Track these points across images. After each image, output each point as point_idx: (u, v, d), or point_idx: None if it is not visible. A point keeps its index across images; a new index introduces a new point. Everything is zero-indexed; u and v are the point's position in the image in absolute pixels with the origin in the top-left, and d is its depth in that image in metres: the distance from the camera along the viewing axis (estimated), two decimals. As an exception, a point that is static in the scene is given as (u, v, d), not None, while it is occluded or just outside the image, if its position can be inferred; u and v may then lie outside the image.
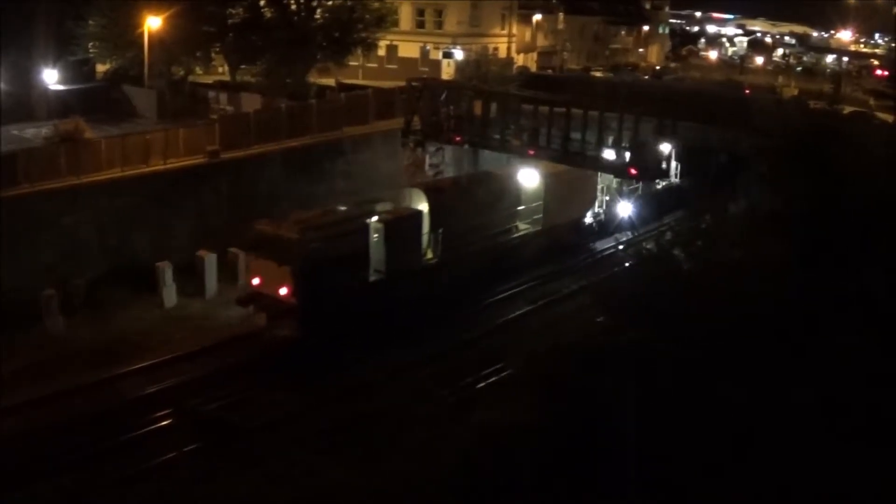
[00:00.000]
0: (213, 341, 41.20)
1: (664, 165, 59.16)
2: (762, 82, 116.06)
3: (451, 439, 31.65)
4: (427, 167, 58.20)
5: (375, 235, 43.79)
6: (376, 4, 71.10)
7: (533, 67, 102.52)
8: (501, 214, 54.14)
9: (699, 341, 26.76)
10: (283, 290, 40.47)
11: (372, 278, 43.97)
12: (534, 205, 55.95)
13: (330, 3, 69.49)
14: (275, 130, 55.93)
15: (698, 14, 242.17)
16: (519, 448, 26.72)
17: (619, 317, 30.49)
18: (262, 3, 68.04)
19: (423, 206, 47.79)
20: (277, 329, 40.97)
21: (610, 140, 54.80)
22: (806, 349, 28.10)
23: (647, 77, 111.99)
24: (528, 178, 55.34)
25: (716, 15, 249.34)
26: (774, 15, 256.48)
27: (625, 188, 61.03)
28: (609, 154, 54.85)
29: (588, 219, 60.29)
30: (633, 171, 55.23)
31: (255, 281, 41.81)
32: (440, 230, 47.91)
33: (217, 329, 42.80)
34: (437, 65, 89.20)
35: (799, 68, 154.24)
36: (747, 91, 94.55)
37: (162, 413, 35.36)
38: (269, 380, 37.99)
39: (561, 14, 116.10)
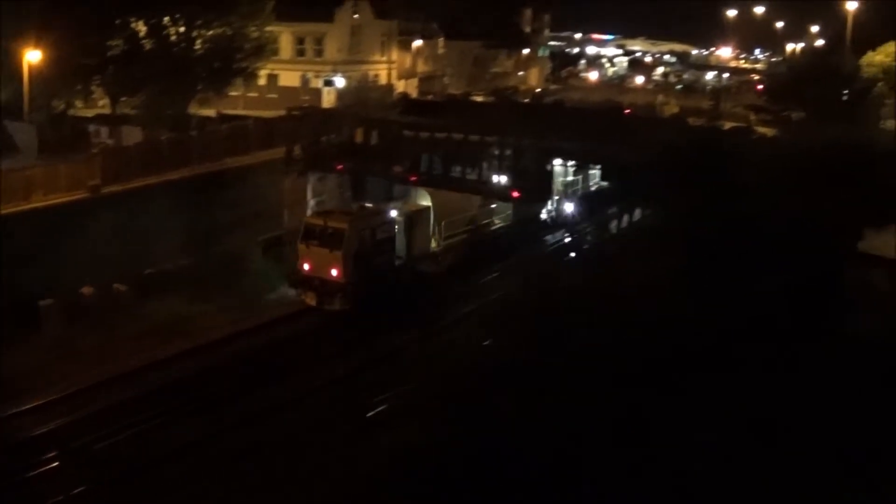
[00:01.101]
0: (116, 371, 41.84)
1: (547, 186, 61.38)
2: (642, 101, 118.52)
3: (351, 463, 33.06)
4: (310, 196, 59.12)
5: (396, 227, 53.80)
6: (255, 33, 71.69)
7: (414, 93, 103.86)
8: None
9: (586, 364, 28.32)
10: (335, 272, 49.18)
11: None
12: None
13: (209, 32, 69.95)
14: (156, 163, 56.36)
15: (578, 35, 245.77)
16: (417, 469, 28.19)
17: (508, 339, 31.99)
18: (141, 34, 68.31)
19: (428, 202, 58.08)
20: (329, 305, 49.81)
21: (491, 163, 56.63)
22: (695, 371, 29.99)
23: (527, 100, 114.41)
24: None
25: (596, 36, 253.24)
26: (654, 34, 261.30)
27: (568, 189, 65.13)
28: (491, 177, 56.83)
29: (544, 214, 64.68)
30: (516, 194, 57.24)
31: (306, 266, 50.53)
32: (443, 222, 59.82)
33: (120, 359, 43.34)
34: (317, 93, 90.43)
35: (679, 86, 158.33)
36: (627, 110, 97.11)
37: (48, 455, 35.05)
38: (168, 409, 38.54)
39: (441, 39, 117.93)
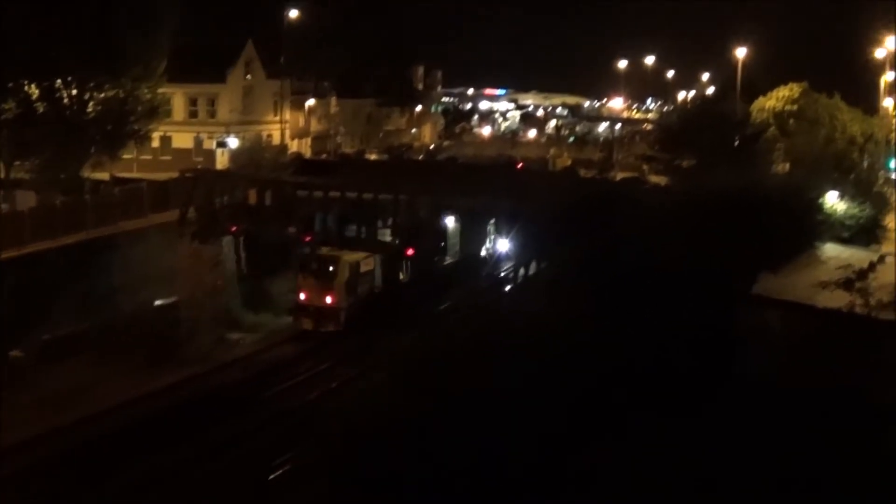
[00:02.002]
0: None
1: (442, 243, 62.66)
2: (535, 155, 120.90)
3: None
4: (206, 258, 59.38)
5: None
6: (148, 95, 71.69)
7: (307, 153, 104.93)
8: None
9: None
10: (329, 299, 54.59)
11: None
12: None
13: (102, 95, 69.78)
14: (51, 227, 55.92)
15: (471, 91, 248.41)
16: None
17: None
18: (34, 97, 68.07)
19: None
20: (325, 328, 54.74)
21: (386, 221, 57.80)
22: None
23: (421, 156, 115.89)
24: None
25: (488, 91, 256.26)
26: (546, 87, 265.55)
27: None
28: (385, 235, 57.97)
29: (483, 252, 66.36)
30: (410, 252, 58.36)
31: (302, 296, 55.54)
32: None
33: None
34: (211, 154, 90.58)
35: (571, 138, 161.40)
36: (520, 164, 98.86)
37: None
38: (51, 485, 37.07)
39: (333, 98, 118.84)
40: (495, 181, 67.05)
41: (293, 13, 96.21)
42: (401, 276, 59.81)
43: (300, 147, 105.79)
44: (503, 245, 63.47)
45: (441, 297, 58.60)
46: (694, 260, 38.67)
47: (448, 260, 65.45)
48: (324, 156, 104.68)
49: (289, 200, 60.02)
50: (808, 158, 67.01)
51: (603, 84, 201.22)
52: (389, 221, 59.95)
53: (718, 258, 39.43)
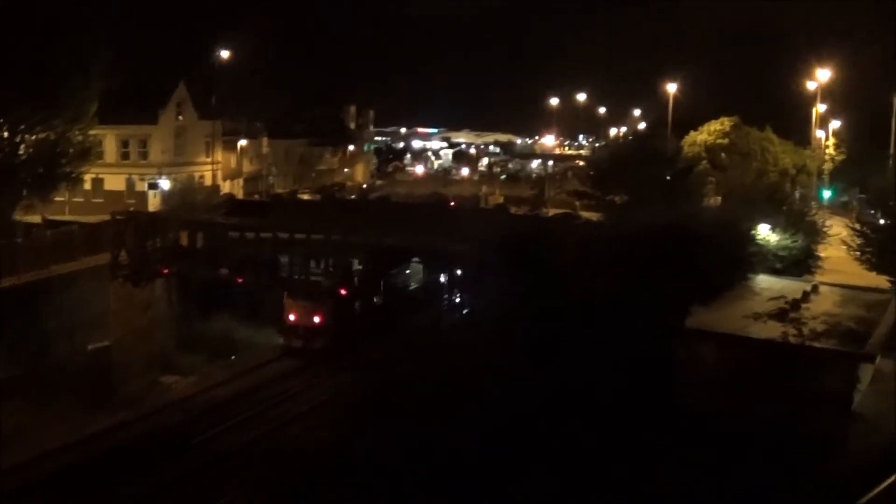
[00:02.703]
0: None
1: (374, 282, 62.85)
2: (468, 192, 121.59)
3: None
4: (139, 301, 59.13)
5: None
6: (79, 137, 71.04)
7: (240, 194, 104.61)
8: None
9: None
10: (317, 319, 59.94)
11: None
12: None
13: (33, 137, 69.25)
14: (-20, 272, 55.62)
15: (403, 130, 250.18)
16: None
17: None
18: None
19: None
20: (314, 345, 59.77)
21: (318, 262, 57.87)
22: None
23: (353, 196, 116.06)
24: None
25: (421, 130, 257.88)
26: (479, 125, 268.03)
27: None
28: (318, 276, 57.98)
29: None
30: (344, 292, 58.47)
31: (292, 317, 61.09)
32: None
33: None
34: (143, 196, 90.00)
35: (504, 176, 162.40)
36: (452, 203, 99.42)
37: None
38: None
39: (265, 138, 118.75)
40: (428, 220, 67.42)
41: (224, 54, 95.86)
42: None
43: (232, 188, 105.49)
44: (437, 284, 64.02)
45: (378, 335, 58.77)
46: (626, 295, 39.06)
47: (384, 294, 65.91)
48: (256, 196, 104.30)
49: (221, 242, 59.89)
50: (739, 191, 67.86)
51: (535, 121, 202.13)
52: (322, 262, 60.20)
53: (651, 293, 39.81)
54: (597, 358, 36.09)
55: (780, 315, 40.98)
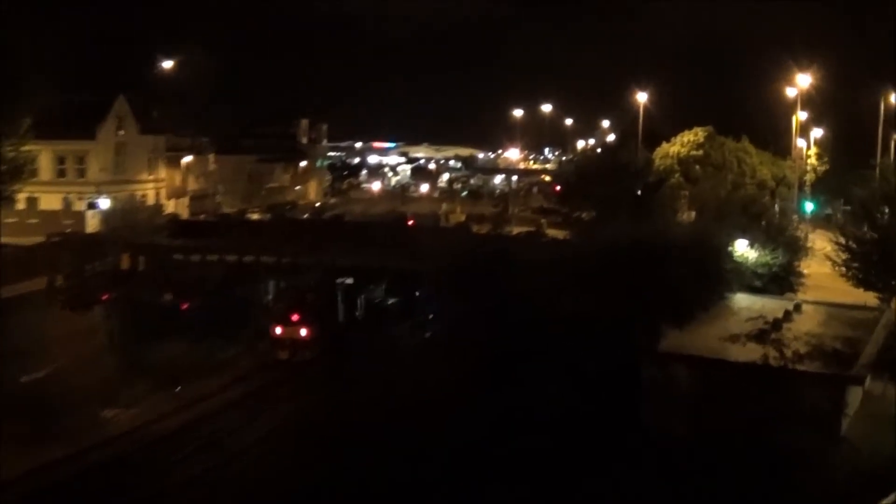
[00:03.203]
0: None
1: (331, 306, 62.51)
2: (427, 210, 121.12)
3: None
4: (78, 329, 58.44)
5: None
6: (12, 153, 70.13)
7: (185, 214, 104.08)
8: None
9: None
10: (304, 332, 59.99)
11: None
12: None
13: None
14: None
15: (359, 145, 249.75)
16: None
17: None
18: None
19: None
20: (301, 357, 59.45)
21: (269, 286, 57.47)
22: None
23: (306, 215, 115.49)
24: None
25: (377, 144, 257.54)
26: (438, 139, 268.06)
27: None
28: (270, 301, 57.57)
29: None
30: (296, 318, 58.03)
31: (278, 330, 60.36)
32: None
33: None
34: (81, 217, 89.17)
35: (465, 192, 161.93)
36: (411, 221, 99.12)
37: None
38: None
39: (212, 154, 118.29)
40: (385, 239, 67.21)
41: (168, 64, 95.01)
42: None
43: (177, 207, 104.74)
44: (397, 305, 63.88)
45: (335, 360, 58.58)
46: (593, 315, 39.01)
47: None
48: (202, 216, 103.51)
49: (165, 265, 59.40)
50: (714, 205, 67.89)
51: (498, 134, 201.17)
52: (273, 286, 59.88)
53: (619, 313, 39.77)
54: (562, 379, 36.04)
55: (760, 336, 40.91)
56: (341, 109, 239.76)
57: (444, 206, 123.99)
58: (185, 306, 58.18)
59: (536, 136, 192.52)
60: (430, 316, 61.06)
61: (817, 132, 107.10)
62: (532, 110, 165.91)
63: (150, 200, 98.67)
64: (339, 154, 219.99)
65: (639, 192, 72.72)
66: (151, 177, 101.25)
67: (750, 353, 38.43)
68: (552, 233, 77.94)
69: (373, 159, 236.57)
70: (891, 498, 27.78)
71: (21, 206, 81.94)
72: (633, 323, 40.85)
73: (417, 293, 64.19)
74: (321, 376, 54.27)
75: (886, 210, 55.17)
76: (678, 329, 42.86)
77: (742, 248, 55.84)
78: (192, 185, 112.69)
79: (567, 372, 36.49)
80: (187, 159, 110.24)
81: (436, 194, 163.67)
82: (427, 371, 41.03)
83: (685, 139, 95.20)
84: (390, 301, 68.86)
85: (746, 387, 36.03)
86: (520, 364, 37.45)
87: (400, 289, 66.07)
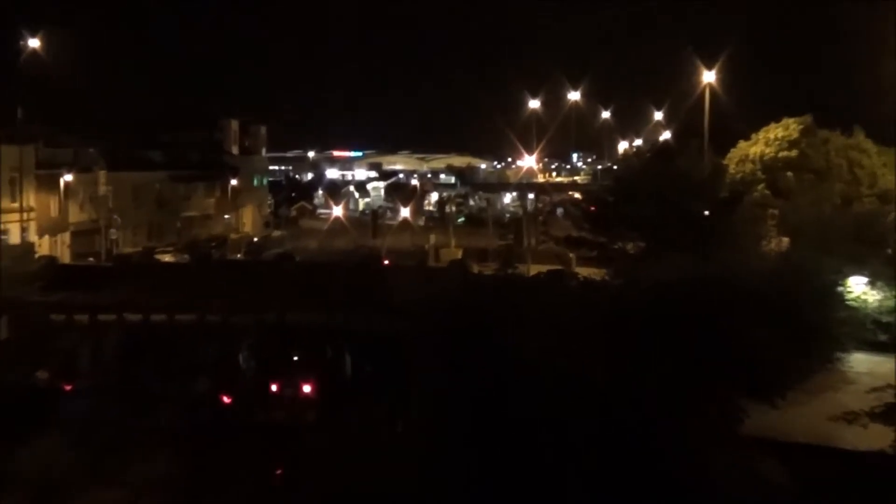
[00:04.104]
0: None
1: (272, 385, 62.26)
2: (408, 244, 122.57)
3: None
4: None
5: None
6: None
7: (66, 256, 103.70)
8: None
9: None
10: (308, 388, 66.35)
11: None
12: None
13: None
14: None
15: (312, 154, 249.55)
16: None
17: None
18: None
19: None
20: (303, 419, 61.97)
21: (187, 358, 57.08)
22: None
23: (239, 255, 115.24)
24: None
25: (338, 153, 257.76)
26: (423, 145, 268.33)
27: None
28: (189, 379, 57.18)
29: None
30: (227, 400, 57.65)
31: (274, 387, 65.47)
32: None
33: None
34: None
35: (461, 218, 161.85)
36: (385, 260, 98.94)
37: None
38: None
39: (103, 172, 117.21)
40: (350, 287, 66.94)
41: (34, 43, 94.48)
42: None
43: (54, 248, 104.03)
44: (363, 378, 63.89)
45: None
46: (642, 392, 38.65)
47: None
48: (90, 259, 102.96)
49: (37, 330, 58.99)
50: (815, 228, 67.19)
51: (507, 137, 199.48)
52: (193, 358, 59.51)
53: (681, 386, 39.44)
54: (595, 485, 35.85)
55: (888, 414, 40.35)
56: (287, 108, 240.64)
57: (433, 239, 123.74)
58: (67, 388, 57.56)
59: (561, 136, 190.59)
60: (408, 394, 60.69)
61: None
62: (554, 101, 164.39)
63: (14, 238, 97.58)
64: (284, 168, 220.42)
65: (706, 213, 72.19)
66: (15, 204, 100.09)
67: (875, 437, 37.97)
68: (584, 272, 77.39)
69: (333, 174, 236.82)
70: None
71: None
72: (701, 399, 40.50)
73: (391, 360, 63.75)
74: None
75: None
76: (767, 405, 42.48)
77: (858, 289, 55.43)
78: (76, 214, 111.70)
79: (603, 474, 36.07)
80: (67, 178, 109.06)
81: (420, 221, 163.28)
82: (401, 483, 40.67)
83: (771, 135, 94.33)
84: (357, 372, 68.84)
85: (871, 486, 35.62)
86: (534, 468, 37.11)
87: (369, 357, 65.94)
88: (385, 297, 62.21)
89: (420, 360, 48.92)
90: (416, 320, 51.79)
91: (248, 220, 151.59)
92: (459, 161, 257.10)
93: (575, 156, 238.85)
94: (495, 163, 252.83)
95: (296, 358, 68.08)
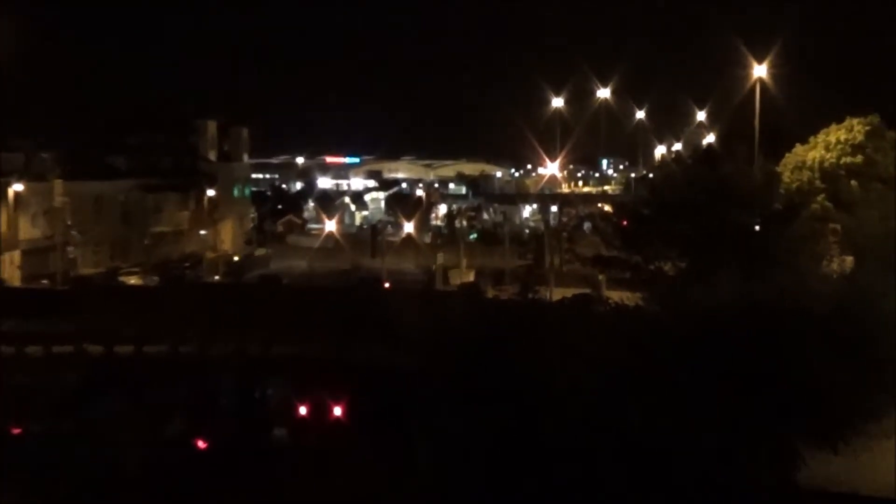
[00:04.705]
0: None
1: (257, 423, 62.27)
2: (413, 265, 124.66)
3: None
4: None
5: None
6: None
7: (15, 279, 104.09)
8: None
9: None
10: (338, 411, 67.97)
11: None
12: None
13: None
14: None
15: (301, 160, 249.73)
16: None
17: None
18: None
19: None
20: (333, 445, 63.18)
21: (159, 396, 57.07)
22: None
23: (217, 277, 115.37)
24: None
25: (331, 159, 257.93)
26: (429, 150, 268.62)
27: None
28: (161, 419, 57.11)
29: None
30: (202, 444, 57.58)
31: (303, 410, 67.49)
32: None
33: None
34: None
35: (474, 234, 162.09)
36: (386, 283, 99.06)
37: None
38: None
39: (59, 181, 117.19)
40: (345, 314, 66.90)
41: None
42: None
43: (1, 268, 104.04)
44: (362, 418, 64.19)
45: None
46: (681, 435, 38.57)
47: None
48: (45, 282, 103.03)
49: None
50: (884, 245, 66.96)
51: (526, 141, 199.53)
52: (165, 396, 59.47)
53: (725, 430, 39.33)
54: None
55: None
56: (273, 108, 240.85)
57: (441, 258, 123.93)
58: (16, 431, 57.50)
59: (589, 140, 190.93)
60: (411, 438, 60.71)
61: None
62: (582, 99, 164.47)
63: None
64: (269, 176, 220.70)
65: (756, 228, 72.09)
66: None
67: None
68: (616, 295, 77.21)
69: (325, 183, 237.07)
70: None
71: None
72: (752, 442, 40.36)
73: (393, 400, 63.75)
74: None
75: None
76: (830, 451, 42.31)
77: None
78: (28, 230, 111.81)
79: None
80: (17, 187, 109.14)
81: (427, 238, 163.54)
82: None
83: (832, 139, 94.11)
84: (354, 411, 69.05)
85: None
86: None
87: (368, 395, 65.90)
88: (386, 326, 62.09)
89: (428, 400, 48.82)
90: (422, 353, 51.75)
91: (228, 237, 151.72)
92: (471, 168, 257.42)
93: (605, 162, 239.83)
94: (513, 170, 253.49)
95: (282, 396, 68.13)
